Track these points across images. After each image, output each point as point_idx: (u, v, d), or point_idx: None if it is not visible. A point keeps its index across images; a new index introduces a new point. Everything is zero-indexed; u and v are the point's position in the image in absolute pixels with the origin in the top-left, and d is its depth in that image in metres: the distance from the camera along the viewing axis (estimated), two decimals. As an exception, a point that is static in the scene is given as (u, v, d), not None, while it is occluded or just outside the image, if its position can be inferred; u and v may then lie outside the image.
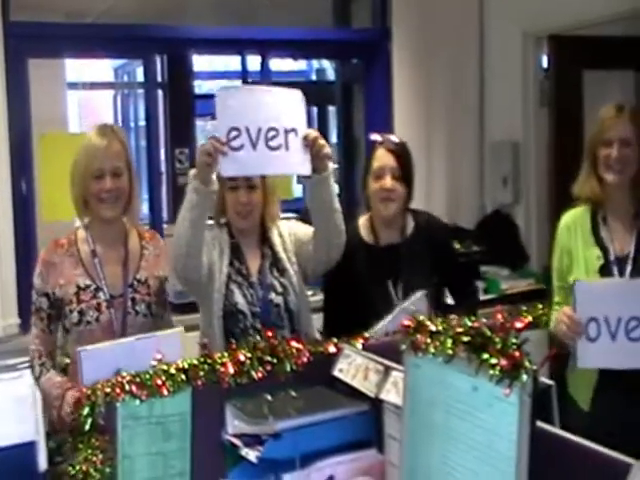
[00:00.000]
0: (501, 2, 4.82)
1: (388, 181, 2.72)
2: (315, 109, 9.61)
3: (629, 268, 2.43)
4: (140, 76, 7.49)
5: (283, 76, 8.96)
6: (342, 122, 6.48)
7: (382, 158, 2.74)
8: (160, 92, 6.88)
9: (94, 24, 5.18)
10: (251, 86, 2.59)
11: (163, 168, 6.73)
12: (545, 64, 4.77)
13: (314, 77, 9.36)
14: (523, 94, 4.76)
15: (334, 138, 7.89)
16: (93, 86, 8.28)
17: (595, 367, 2.38)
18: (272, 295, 2.59)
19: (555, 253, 2.61)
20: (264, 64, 5.15)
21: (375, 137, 2.84)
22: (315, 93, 8.98)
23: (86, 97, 8.67)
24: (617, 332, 2.27)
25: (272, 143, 2.35)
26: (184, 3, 6.01)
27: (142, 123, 7.02)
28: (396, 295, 2.71)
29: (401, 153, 2.76)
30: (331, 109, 8.39)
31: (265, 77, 5.20)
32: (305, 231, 2.67)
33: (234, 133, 2.32)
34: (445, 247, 2.94)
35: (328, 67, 8.61)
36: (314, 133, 2.42)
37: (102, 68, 8.73)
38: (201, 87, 9.70)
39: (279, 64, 8.37)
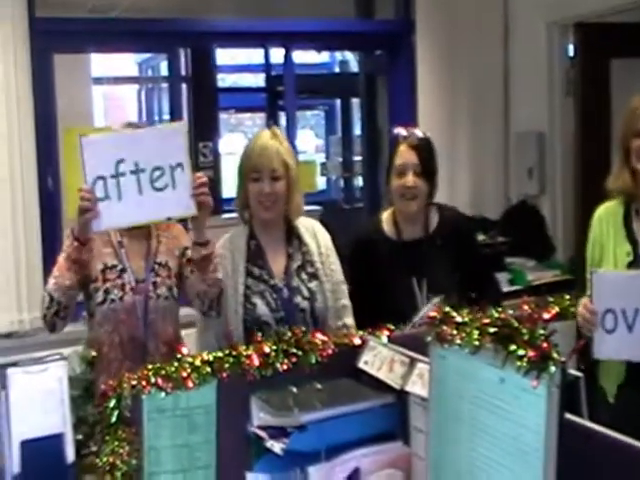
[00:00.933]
0: (525, -9, 4.77)
1: (410, 179, 2.69)
2: (338, 101, 9.60)
3: None
4: (164, 70, 7.51)
5: (306, 69, 8.96)
6: (366, 114, 6.48)
7: (404, 154, 2.71)
8: (184, 86, 6.90)
9: (118, 19, 5.20)
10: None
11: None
12: (571, 53, 4.71)
13: (337, 69, 9.34)
14: (548, 84, 4.71)
15: (358, 130, 7.88)
16: (118, 81, 8.33)
17: (611, 359, 2.36)
18: (298, 299, 2.52)
19: (588, 245, 2.57)
20: (287, 56, 5.14)
21: (399, 131, 2.80)
22: (338, 85, 8.98)
23: (111, 92, 8.71)
24: (634, 324, 2.23)
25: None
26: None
27: (166, 117, 7.04)
28: (420, 292, 2.68)
29: (424, 149, 2.72)
30: (354, 101, 8.37)
31: (288, 69, 5.20)
32: (339, 278, 2.62)
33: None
34: (469, 243, 2.90)
35: (351, 59, 8.60)
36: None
37: (126, 62, 8.78)
38: (224, 80, 9.72)
39: (302, 56, 8.37)
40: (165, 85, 7.72)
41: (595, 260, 2.51)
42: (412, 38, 5.04)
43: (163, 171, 2.22)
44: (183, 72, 7.09)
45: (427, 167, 2.72)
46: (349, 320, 2.60)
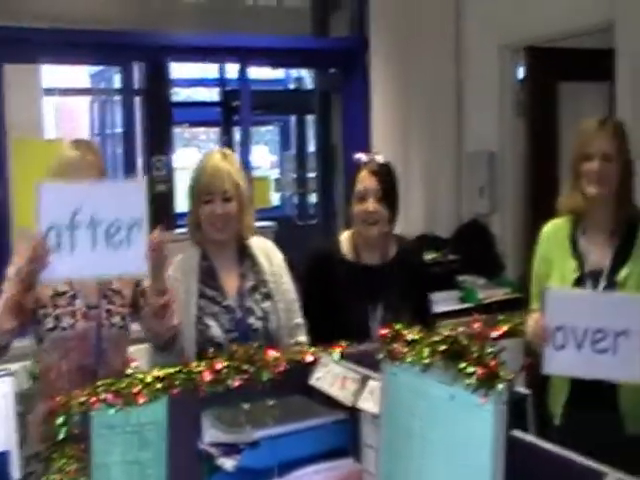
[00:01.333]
0: (478, 14, 4.86)
1: (371, 204, 2.71)
2: (293, 118, 9.63)
3: (603, 284, 2.43)
4: (117, 83, 7.45)
5: (261, 84, 8.97)
6: (320, 131, 6.50)
7: (365, 180, 2.73)
8: (138, 99, 6.86)
9: (71, 30, 5.12)
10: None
11: (140, 175, 6.70)
12: (521, 75, 4.82)
13: (292, 86, 9.37)
14: (499, 105, 4.80)
15: (312, 147, 7.92)
16: (70, 92, 8.22)
17: (559, 374, 2.40)
18: (252, 319, 2.50)
19: (535, 260, 2.62)
20: (243, 72, 5.15)
21: (360, 157, 2.83)
22: (293, 102, 9.01)
23: (63, 103, 8.60)
24: (583, 342, 2.28)
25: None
26: (163, 10, 6.00)
27: (119, 130, 6.98)
28: (374, 317, 2.69)
29: (385, 175, 2.74)
30: (309, 118, 8.40)
31: (244, 85, 5.21)
32: (292, 297, 2.63)
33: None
34: (422, 279, 2.92)
35: (307, 76, 8.63)
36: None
37: (79, 74, 8.68)
38: (179, 94, 9.68)
39: (258, 72, 8.38)
40: (118, 98, 7.65)
41: (542, 275, 2.56)
42: (366, 56, 5.09)
43: (119, 227, 2.20)
44: (137, 85, 7.04)
45: (388, 192, 2.74)
46: (302, 338, 2.60)
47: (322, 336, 2.21)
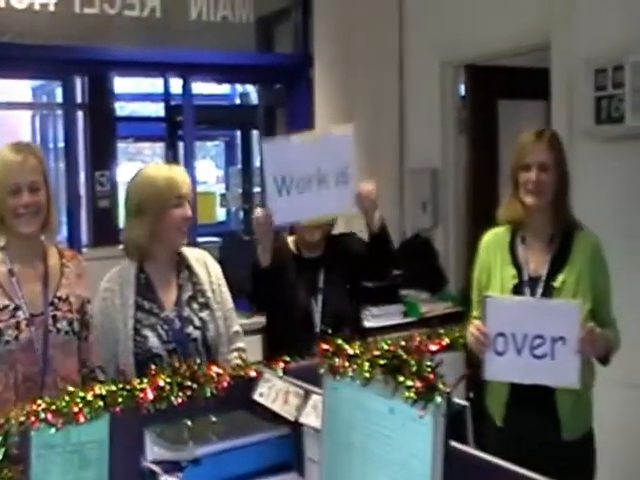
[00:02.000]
0: (420, 32, 4.93)
1: None
2: (239, 133, 9.63)
3: (540, 290, 2.51)
4: (60, 97, 7.36)
5: (207, 99, 8.95)
6: (265, 146, 6.51)
7: None
8: (81, 113, 6.78)
9: (11, 43, 5.06)
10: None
11: (83, 191, 6.61)
12: (463, 92, 4.91)
13: (238, 101, 9.38)
14: (441, 121, 4.87)
15: (258, 162, 7.92)
16: (10, 106, 8.09)
17: (500, 380, 2.47)
18: (190, 329, 2.52)
19: (475, 269, 2.68)
20: (186, 87, 5.15)
21: None
22: (239, 117, 9.02)
23: (3, 117, 8.45)
24: (523, 348, 2.36)
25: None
26: (106, 25, 5.96)
27: (62, 144, 6.89)
28: (316, 306, 2.90)
29: None
30: (255, 133, 8.41)
31: (187, 100, 5.20)
32: (229, 306, 2.67)
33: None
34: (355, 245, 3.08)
35: (252, 91, 8.65)
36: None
37: (20, 88, 8.54)
38: (124, 108, 9.60)
39: (203, 87, 8.37)
40: (61, 112, 7.56)
41: (482, 283, 2.62)
42: (310, 72, 5.13)
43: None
44: (79, 99, 6.97)
45: None
46: (241, 344, 2.66)
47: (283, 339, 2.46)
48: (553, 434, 2.45)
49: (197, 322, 2.54)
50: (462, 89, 4.90)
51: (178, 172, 2.59)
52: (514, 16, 4.13)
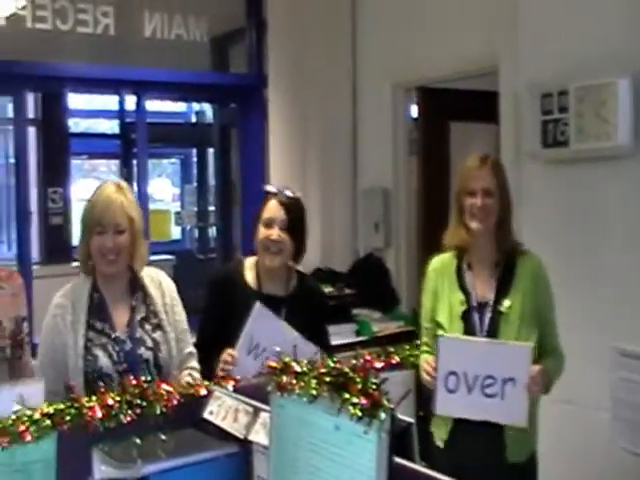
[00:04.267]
0: (372, 54, 5.01)
1: (276, 231, 2.75)
2: (194, 151, 9.62)
3: (489, 315, 2.56)
4: (11, 112, 7.28)
5: (162, 117, 8.93)
6: (219, 165, 6.54)
7: (273, 209, 2.78)
8: (33, 129, 6.72)
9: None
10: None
11: (35, 207, 6.54)
12: (414, 114, 4.99)
13: (194, 119, 9.38)
14: (393, 142, 4.94)
15: (213, 180, 7.93)
16: (-40, 121, 7.99)
17: (450, 416, 2.52)
18: (141, 350, 2.49)
19: (424, 295, 2.72)
20: (139, 104, 5.15)
21: (269, 188, 2.89)
22: (194, 135, 9.02)
23: (-47, 132, 8.34)
24: (474, 387, 2.43)
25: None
26: (59, 41, 5.92)
27: (12, 160, 6.81)
28: None
29: (293, 207, 2.80)
30: (210, 151, 8.42)
31: (140, 117, 5.20)
32: (183, 327, 2.63)
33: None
34: (324, 314, 3.00)
35: (208, 109, 8.66)
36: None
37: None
38: (78, 125, 9.52)
39: (159, 105, 8.35)
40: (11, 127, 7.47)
41: (430, 309, 2.67)
42: (264, 92, 5.17)
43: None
44: (32, 115, 6.91)
45: (295, 225, 2.78)
46: (194, 363, 2.63)
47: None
48: (498, 456, 2.50)
49: (149, 343, 2.52)
50: (415, 111, 4.99)
51: (115, 198, 2.50)
52: (463, 41, 4.23)
